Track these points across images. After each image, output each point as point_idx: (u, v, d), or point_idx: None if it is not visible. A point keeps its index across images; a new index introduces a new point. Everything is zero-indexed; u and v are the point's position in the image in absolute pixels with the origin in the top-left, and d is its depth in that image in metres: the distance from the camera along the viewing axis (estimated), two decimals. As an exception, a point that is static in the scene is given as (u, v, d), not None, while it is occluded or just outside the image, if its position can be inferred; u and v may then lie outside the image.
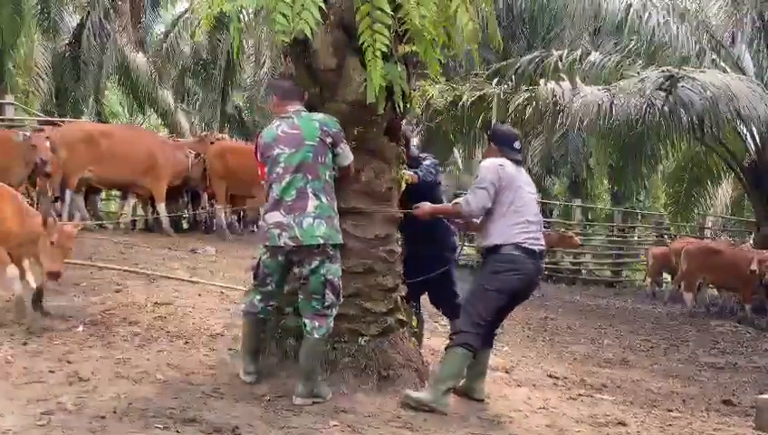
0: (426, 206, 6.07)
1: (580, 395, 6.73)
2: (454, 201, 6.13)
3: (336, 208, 5.30)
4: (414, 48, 5.49)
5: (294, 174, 5.18)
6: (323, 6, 5.11)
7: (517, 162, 5.84)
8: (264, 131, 5.47)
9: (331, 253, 5.22)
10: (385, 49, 5.17)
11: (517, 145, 5.94)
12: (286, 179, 5.19)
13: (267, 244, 5.28)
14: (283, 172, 5.20)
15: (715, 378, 8.50)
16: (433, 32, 5.36)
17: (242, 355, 5.64)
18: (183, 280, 8.56)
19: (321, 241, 5.14)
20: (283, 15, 5.06)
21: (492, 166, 5.70)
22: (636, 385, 7.54)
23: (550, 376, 7.34)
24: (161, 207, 12.81)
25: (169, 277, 8.64)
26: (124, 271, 8.68)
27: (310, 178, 5.19)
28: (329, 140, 5.27)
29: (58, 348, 5.96)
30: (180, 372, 5.66)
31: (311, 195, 5.17)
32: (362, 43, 5.22)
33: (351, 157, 5.44)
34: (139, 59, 23.52)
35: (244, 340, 5.63)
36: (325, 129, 5.27)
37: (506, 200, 5.63)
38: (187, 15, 23.24)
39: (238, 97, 27.33)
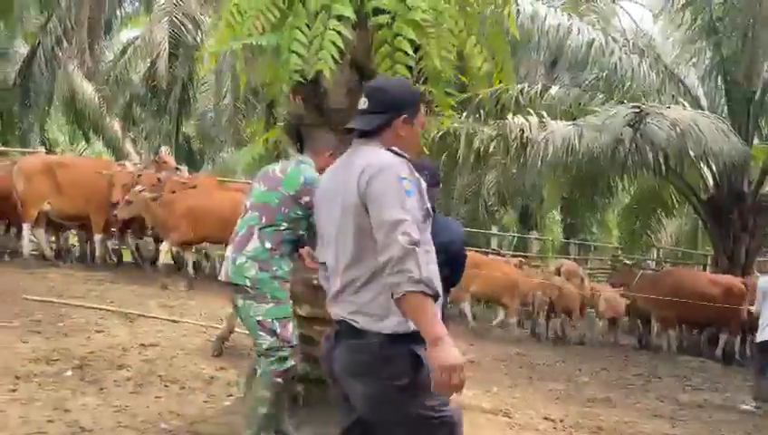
0: None
1: (580, 438, 6.69)
2: None
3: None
4: (430, 89, 5.42)
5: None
6: (342, 46, 5.00)
7: None
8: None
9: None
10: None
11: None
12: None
13: None
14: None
15: (697, 417, 8.52)
16: (449, 73, 5.30)
17: (281, 420, 5.04)
18: (164, 319, 8.31)
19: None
20: (298, 55, 4.95)
21: None
22: (629, 427, 7.50)
23: (545, 418, 7.28)
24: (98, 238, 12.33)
25: (148, 316, 8.40)
26: (102, 310, 8.40)
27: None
28: None
29: (50, 395, 5.74)
30: (184, 420, 5.49)
31: None
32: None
33: None
34: (87, 87, 22.95)
35: (280, 403, 4.93)
36: None
37: None
38: (138, 43, 22.66)
39: (188, 126, 26.89)
